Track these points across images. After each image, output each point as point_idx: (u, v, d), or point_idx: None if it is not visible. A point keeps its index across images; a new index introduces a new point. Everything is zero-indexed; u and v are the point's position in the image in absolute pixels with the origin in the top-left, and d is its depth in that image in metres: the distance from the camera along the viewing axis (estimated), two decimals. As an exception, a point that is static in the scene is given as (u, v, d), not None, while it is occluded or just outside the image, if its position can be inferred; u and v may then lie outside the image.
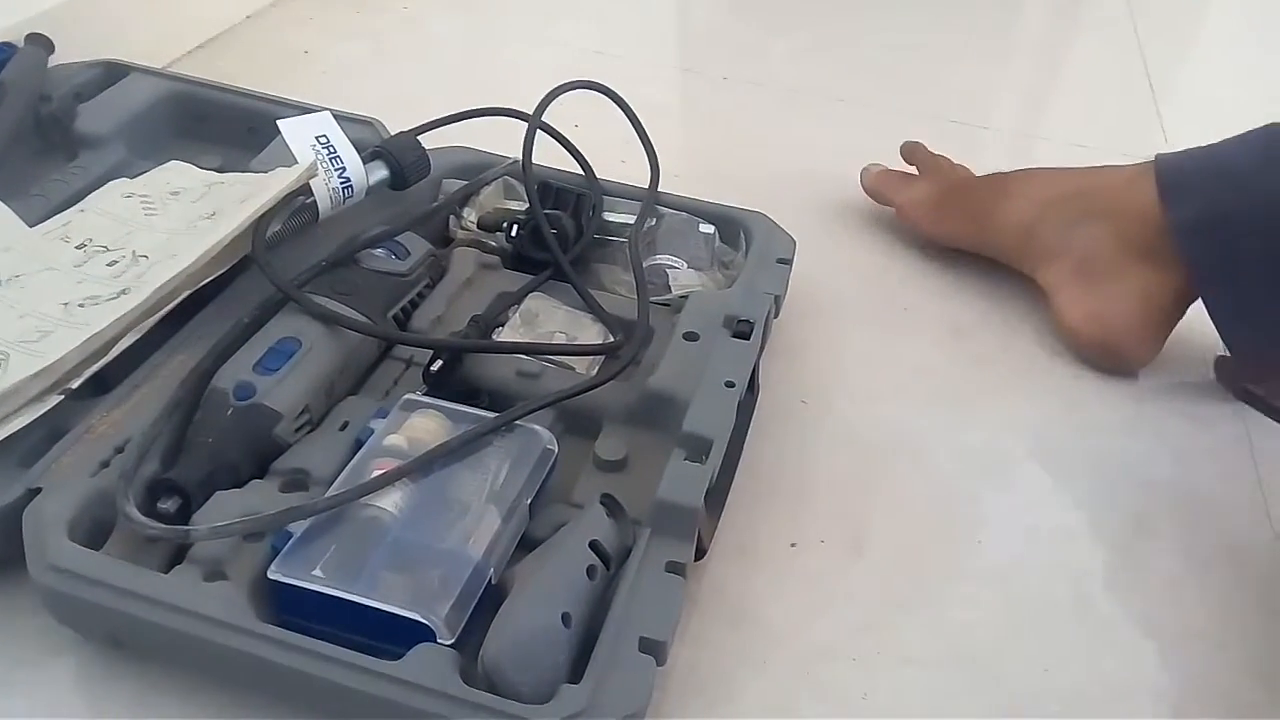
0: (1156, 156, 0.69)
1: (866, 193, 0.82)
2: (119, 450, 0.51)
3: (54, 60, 0.78)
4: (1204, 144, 0.68)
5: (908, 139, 0.83)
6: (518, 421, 0.54)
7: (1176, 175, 0.67)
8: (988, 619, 0.54)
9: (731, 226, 0.71)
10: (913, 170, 0.82)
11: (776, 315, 0.66)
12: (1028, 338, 0.73)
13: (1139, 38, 1.17)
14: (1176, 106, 1.03)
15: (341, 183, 0.63)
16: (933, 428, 0.65)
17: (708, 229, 0.70)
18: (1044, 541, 0.59)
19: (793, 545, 0.57)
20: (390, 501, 0.49)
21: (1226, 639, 0.54)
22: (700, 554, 0.52)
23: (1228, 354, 0.67)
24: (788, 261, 0.68)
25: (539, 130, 0.71)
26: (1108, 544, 0.59)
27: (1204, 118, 1.01)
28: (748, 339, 0.60)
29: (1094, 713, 0.51)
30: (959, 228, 0.77)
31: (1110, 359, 0.70)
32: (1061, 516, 0.60)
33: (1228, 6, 1.33)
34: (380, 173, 0.67)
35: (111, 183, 0.68)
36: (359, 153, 0.65)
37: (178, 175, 0.68)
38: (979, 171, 0.79)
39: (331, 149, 0.63)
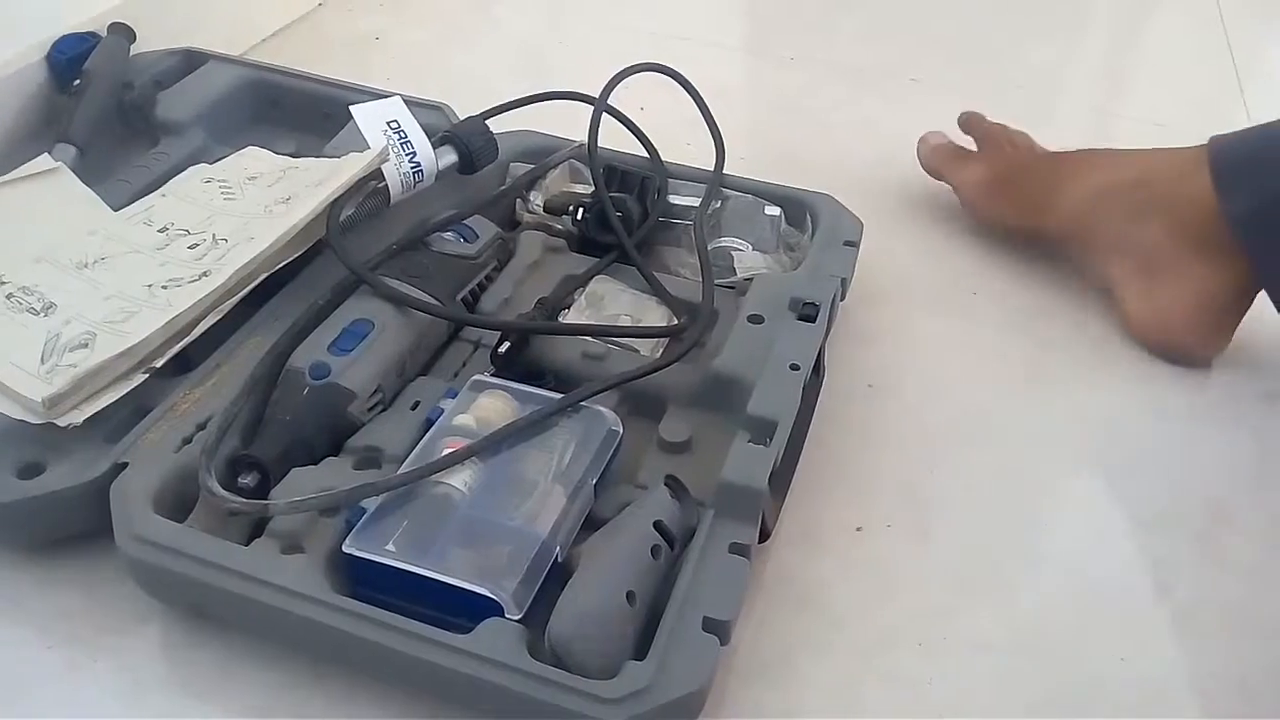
0: (1210, 140, 0.66)
1: (922, 165, 0.80)
2: (201, 427, 0.53)
3: (135, 49, 0.80)
4: (1258, 122, 0.66)
5: (965, 110, 0.80)
6: (583, 403, 0.54)
7: (1231, 162, 0.64)
8: (1058, 606, 0.54)
9: (798, 208, 0.71)
10: (970, 144, 0.80)
11: (843, 298, 0.65)
12: (1098, 322, 0.71)
13: (1221, 10, 1.13)
14: (1261, 83, 1.00)
15: (412, 167, 0.64)
16: (1001, 412, 0.64)
17: (773, 211, 0.70)
18: (1117, 528, 0.58)
19: (858, 530, 0.57)
20: (460, 479, 0.50)
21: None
22: (764, 536, 0.52)
23: None
24: (855, 244, 0.68)
25: (604, 113, 0.71)
26: (1185, 530, 0.58)
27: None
28: (813, 322, 0.60)
29: (1171, 704, 0.50)
30: (1013, 214, 0.75)
31: (1176, 358, 0.68)
32: (1135, 503, 0.59)
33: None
34: (449, 157, 0.67)
35: (191, 168, 0.70)
36: (429, 137, 0.66)
37: (254, 160, 0.70)
38: (1048, 147, 0.77)
39: (402, 134, 0.65)
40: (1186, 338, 0.67)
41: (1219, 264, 0.65)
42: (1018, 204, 0.74)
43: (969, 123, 0.80)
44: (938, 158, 0.79)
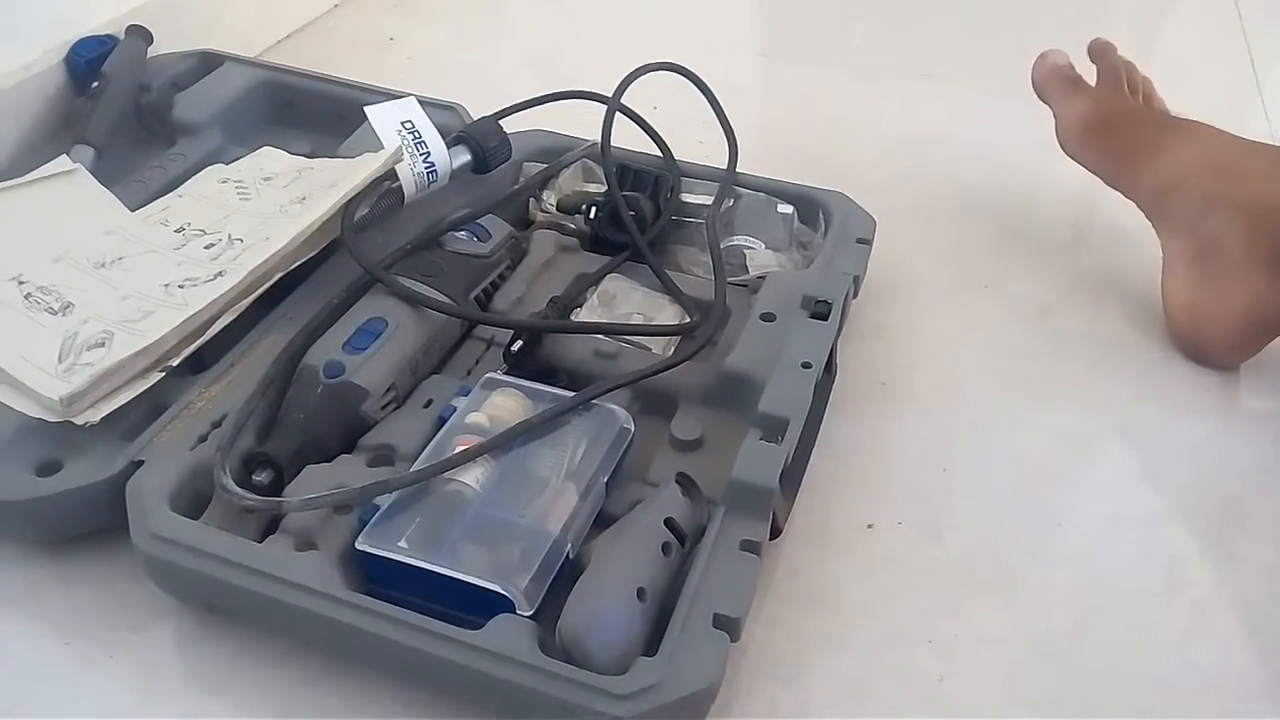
0: None
1: (1033, 87, 0.78)
2: (216, 425, 0.53)
3: (153, 51, 0.81)
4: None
5: (1098, 37, 0.78)
6: (595, 401, 0.54)
7: None
8: (1070, 603, 0.53)
9: (810, 206, 0.71)
10: (1087, 76, 0.77)
11: (855, 296, 0.65)
12: (1115, 317, 0.71)
13: (1239, 9, 1.12)
14: (1279, 83, 0.99)
15: (426, 167, 0.65)
16: (1014, 409, 0.64)
17: (786, 209, 0.70)
18: (1130, 525, 0.58)
19: (869, 527, 0.57)
20: (472, 477, 0.50)
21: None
22: (775, 534, 0.52)
23: None
24: (867, 241, 0.68)
25: (618, 113, 0.72)
26: (1199, 528, 0.57)
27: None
28: (825, 319, 0.60)
29: (1182, 702, 0.50)
30: (1100, 163, 0.74)
31: (1196, 355, 0.68)
32: (1149, 500, 0.59)
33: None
34: (463, 157, 0.68)
35: (207, 169, 0.70)
36: (443, 137, 0.66)
37: (270, 161, 0.71)
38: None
39: (417, 134, 0.65)
40: (1218, 341, 0.66)
41: (1277, 280, 0.64)
42: (1107, 155, 0.73)
43: (1099, 51, 0.77)
44: (1051, 81, 0.77)
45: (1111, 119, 0.74)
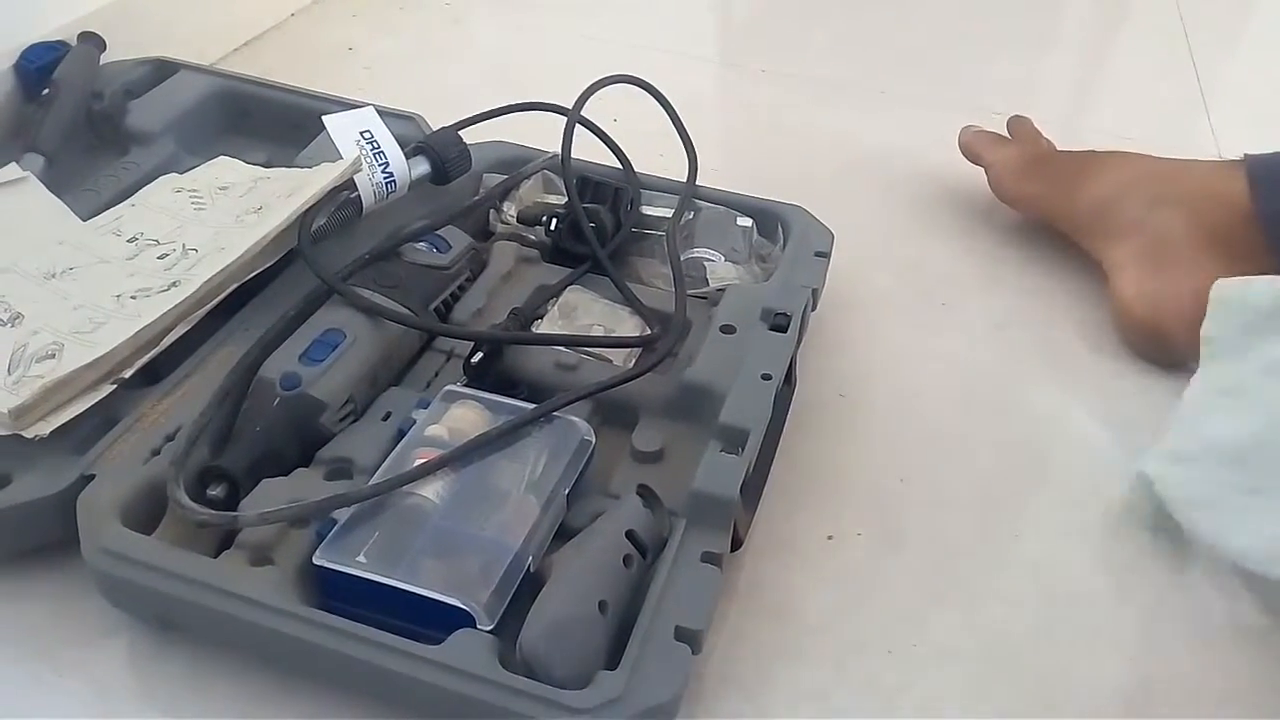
0: (1246, 155, 0.68)
1: (961, 150, 0.82)
2: (169, 438, 0.52)
3: (105, 58, 0.80)
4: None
5: (1016, 114, 0.83)
6: (556, 413, 0.54)
7: (1268, 169, 0.67)
8: (1026, 613, 0.54)
9: (769, 219, 0.71)
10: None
11: (814, 308, 0.66)
12: (1067, 332, 0.72)
13: (1185, 28, 1.15)
14: (1224, 100, 1.02)
15: (385, 177, 0.64)
16: (970, 421, 0.65)
17: (745, 222, 0.70)
18: (1084, 536, 0.58)
19: (830, 538, 0.57)
20: (432, 490, 0.50)
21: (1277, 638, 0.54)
22: (736, 545, 0.52)
23: None
24: (826, 255, 0.68)
25: (578, 124, 0.72)
26: (1151, 540, 0.58)
27: (1252, 112, 1.00)
28: (785, 332, 0.60)
29: (1134, 709, 0.50)
30: (1039, 194, 0.76)
31: (1156, 344, 0.68)
32: (1102, 512, 0.60)
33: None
34: (422, 167, 0.67)
35: (161, 178, 0.69)
36: (401, 148, 0.66)
37: (225, 170, 0.70)
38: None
39: (375, 144, 0.64)
40: (1174, 325, 0.67)
41: (1229, 264, 0.65)
42: (1043, 185, 0.76)
43: (1017, 127, 0.83)
44: (978, 139, 0.81)
45: (1043, 156, 0.78)
